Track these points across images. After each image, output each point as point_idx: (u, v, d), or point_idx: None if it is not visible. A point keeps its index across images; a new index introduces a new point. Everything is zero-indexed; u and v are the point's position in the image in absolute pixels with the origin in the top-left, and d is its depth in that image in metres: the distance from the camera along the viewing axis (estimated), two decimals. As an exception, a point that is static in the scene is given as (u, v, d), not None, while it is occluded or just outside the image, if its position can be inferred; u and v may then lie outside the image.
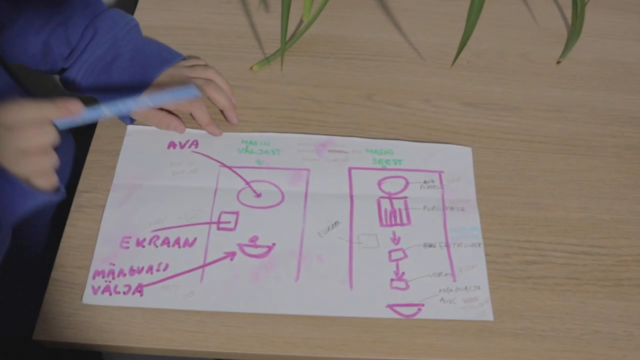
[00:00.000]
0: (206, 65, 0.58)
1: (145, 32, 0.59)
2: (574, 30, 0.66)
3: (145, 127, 0.57)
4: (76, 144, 0.63)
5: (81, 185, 0.53)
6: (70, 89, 0.55)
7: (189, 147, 0.56)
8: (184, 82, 0.55)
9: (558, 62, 0.67)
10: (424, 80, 0.63)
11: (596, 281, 0.51)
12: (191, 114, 0.55)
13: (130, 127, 0.56)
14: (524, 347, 0.47)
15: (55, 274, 0.48)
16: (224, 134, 0.57)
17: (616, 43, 0.69)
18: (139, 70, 0.53)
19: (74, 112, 0.43)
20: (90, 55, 0.53)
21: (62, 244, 0.50)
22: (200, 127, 0.56)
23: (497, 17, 0.70)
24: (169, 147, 0.56)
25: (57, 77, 0.57)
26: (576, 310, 0.49)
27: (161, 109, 0.56)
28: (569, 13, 0.70)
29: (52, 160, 0.42)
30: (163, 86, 0.54)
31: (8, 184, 0.40)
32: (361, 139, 0.57)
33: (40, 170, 0.42)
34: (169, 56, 0.56)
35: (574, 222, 0.54)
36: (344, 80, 0.62)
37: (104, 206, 0.52)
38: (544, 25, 0.70)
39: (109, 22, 0.54)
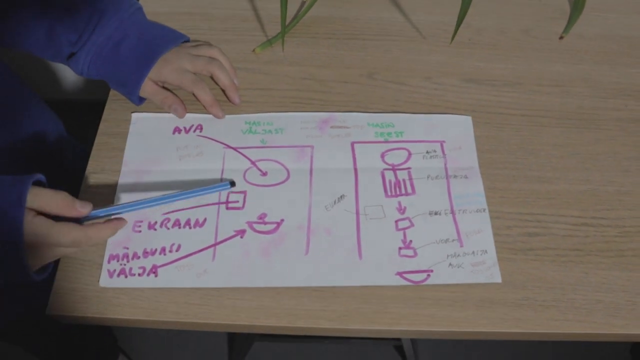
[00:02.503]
0: (210, 45, 0.59)
1: (150, 19, 0.60)
2: (577, 5, 0.65)
3: (149, 114, 0.58)
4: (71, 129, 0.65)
5: (90, 166, 0.55)
6: (79, 73, 0.56)
7: (194, 131, 0.57)
8: (188, 58, 0.56)
9: (561, 38, 0.66)
10: (425, 58, 0.64)
11: (599, 252, 0.51)
12: (194, 95, 0.57)
13: (134, 115, 0.58)
14: (525, 317, 0.48)
15: (66, 251, 0.50)
16: (227, 116, 0.58)
17: (620, 17, 0.69)
18: (145, 49, 0.55)
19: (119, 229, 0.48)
20: (99, 37, 0.54)
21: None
22: (203, 109, 0.57)
23: (499, -6, 0.70)
24: (174, 133, 0.57)
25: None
26: (578, 280, 0.50)
27: (166, 89, 0.57)
28: (572, -12, 0.70)
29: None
30: (168, 63, 0.55)
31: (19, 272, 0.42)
32: (362, 113, 0.58)
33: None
34: (174, 36, 0.57)
35: (577, 194, 0.54)
36: (345, 60, 0.63)
37: (114, 187, 0.53)
38: (546, 0, 0.70)
39: (114, 5, 0.55)
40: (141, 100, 0.58)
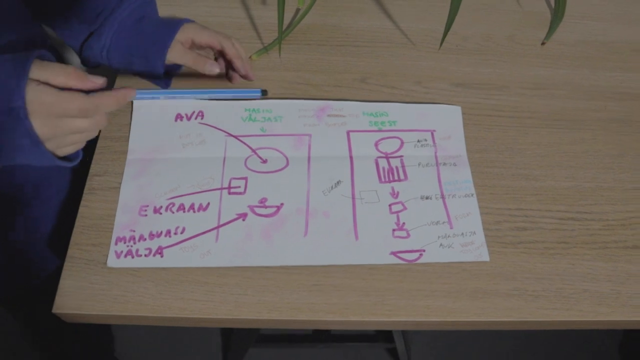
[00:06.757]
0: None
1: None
2: (557, 12, 0.69)
3: (151, 101, 0.59)
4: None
5: (93, 169, 0.56)
6: (98, 53, 0.56)
7: (195, 118, 0.59)
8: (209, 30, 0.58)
9: (543, 44, 0.70)
10: (415, 63, 0.66)
11: (584, 244, 0.54)
12: (224, 49, 0.58)
13: (136, 103, 0.59)
14: (516, 306, 0.50)
15: (71, 251, 0.51)
16: (227, 102, 0.59)
17: (598, 24, 0.72)
18: (166, 22, 0.56)
19: (129, 99, 0.46)
20: (123, 12, 0.55)
21: (76, 224, 0.52)
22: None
23: (483, 2, 0.73)
24: (176, 120, 0.58)
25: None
26: (565, 271, 0.52)
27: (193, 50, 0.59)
28: (552, -3, 0.74)
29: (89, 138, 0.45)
30: (193, 25, 0.57)
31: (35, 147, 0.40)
32: (357, 102, 0.61)
33: (73, 146, 0.44)
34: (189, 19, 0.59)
35: (562, 191, 0.57)
36: (339, 66, 0.65)
37: (117, 189, 0.54)
38: (529, 8, 0.74)
39: None
40: (168, 84, 0.59)
